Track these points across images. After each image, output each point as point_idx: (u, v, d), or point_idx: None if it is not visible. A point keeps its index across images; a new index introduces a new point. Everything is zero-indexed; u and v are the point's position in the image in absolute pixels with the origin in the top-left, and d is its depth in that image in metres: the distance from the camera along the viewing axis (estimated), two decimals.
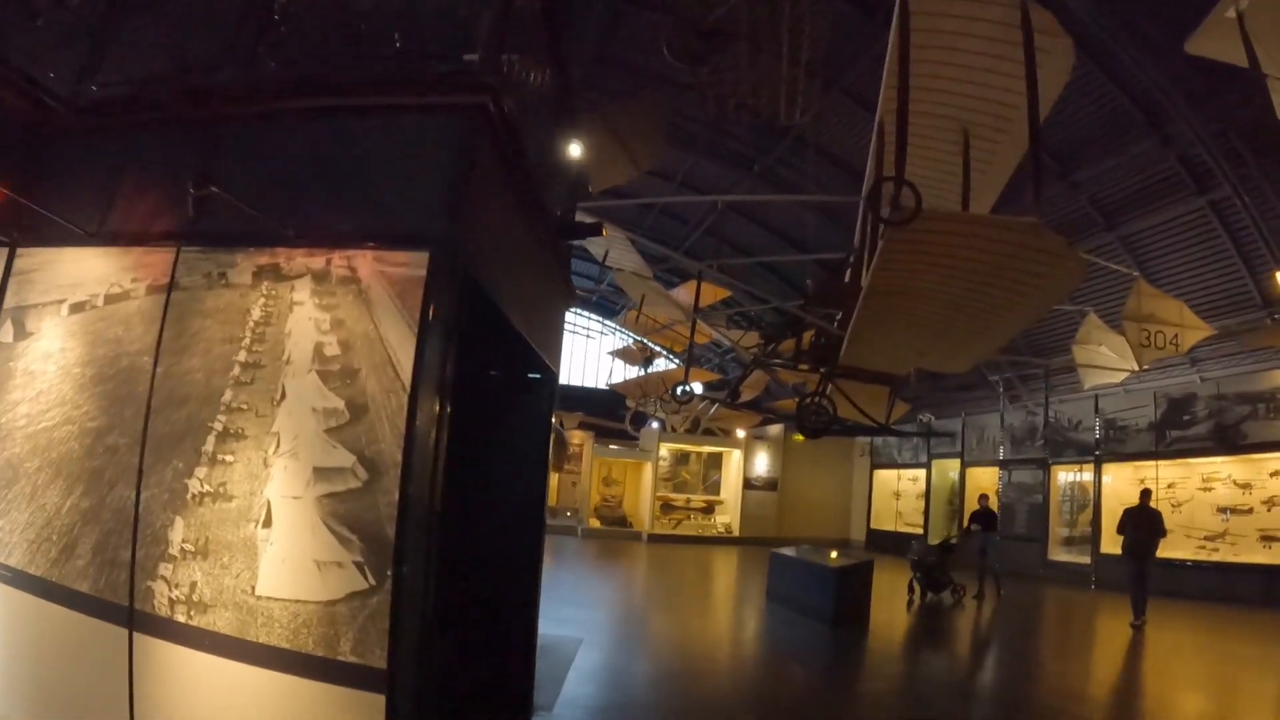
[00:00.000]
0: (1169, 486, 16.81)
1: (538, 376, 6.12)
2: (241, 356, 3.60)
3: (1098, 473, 18.20)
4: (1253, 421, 15.44)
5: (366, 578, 3.22)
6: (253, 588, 3.29)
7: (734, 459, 25.24)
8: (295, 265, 3.68)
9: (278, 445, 3.43)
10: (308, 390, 3.48)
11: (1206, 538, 15.91)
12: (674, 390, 13.63)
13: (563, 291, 6.58)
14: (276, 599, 3.27)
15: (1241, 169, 13.91)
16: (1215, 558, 15.59)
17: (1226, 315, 15.84)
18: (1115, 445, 18.10)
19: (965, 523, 14.63)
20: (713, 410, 26.22)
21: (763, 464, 25.04)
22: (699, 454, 26.27)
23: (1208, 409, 16.38)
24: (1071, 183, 16.41)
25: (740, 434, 25.82)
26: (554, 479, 26.40)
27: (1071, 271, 6.31)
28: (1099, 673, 9.24)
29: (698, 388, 30.46)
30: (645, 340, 23.50)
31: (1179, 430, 16.87)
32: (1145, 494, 13.08)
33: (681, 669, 7.65)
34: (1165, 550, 15.13)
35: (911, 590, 13.39)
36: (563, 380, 34.30)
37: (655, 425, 24.86)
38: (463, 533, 5.14)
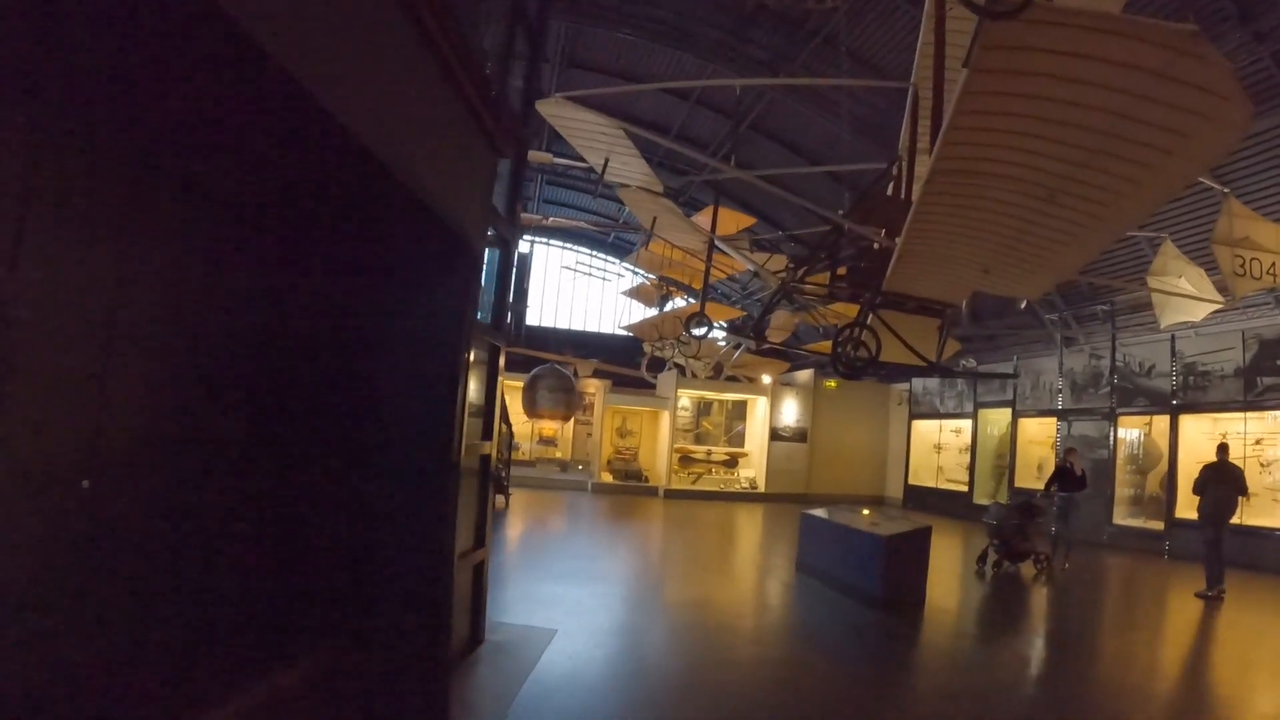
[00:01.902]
0: (1256, 443, 14.80)
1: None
2: None
3: (1174, 425, 16.16)
4: None
5: None
6: None
7: (759, 407, 23.41)
8: None
9: None
10: None
11: None
12: (688, 326, 11.82)
13: (489, 136, 4.71)
14: None
15: None
16: None
17: None
18: (1194, 394, 16.03)
19: (1046, 483, 12.73)
20: (737, 354, 24.44)
21: (791, 413, 23.18)
22: (721, 402, 24.48)
23: None
24: None
25: (766, 380, 23.96)
26: (567, 429, 24.89)
27: (1231, 122, 4.42)
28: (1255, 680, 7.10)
29: (718, 334, 28.67)
30: (658, 277, 21.69)
31: (1272, 378, 14.77)
32: (1223, 449, 11.45)
33: (680, 678, 5.79)
34: (1248, 516, 13.33)
35: (983, 560, 11.65)
36: (577, 325, 32.99)
37: (673, 371, 23.06)
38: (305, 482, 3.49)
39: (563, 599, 7.82)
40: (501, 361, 5.63)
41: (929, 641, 7.54)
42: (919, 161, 11.12)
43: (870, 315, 10.88)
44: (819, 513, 9.94)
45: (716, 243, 11.79)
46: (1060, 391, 19.23)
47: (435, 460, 4.22)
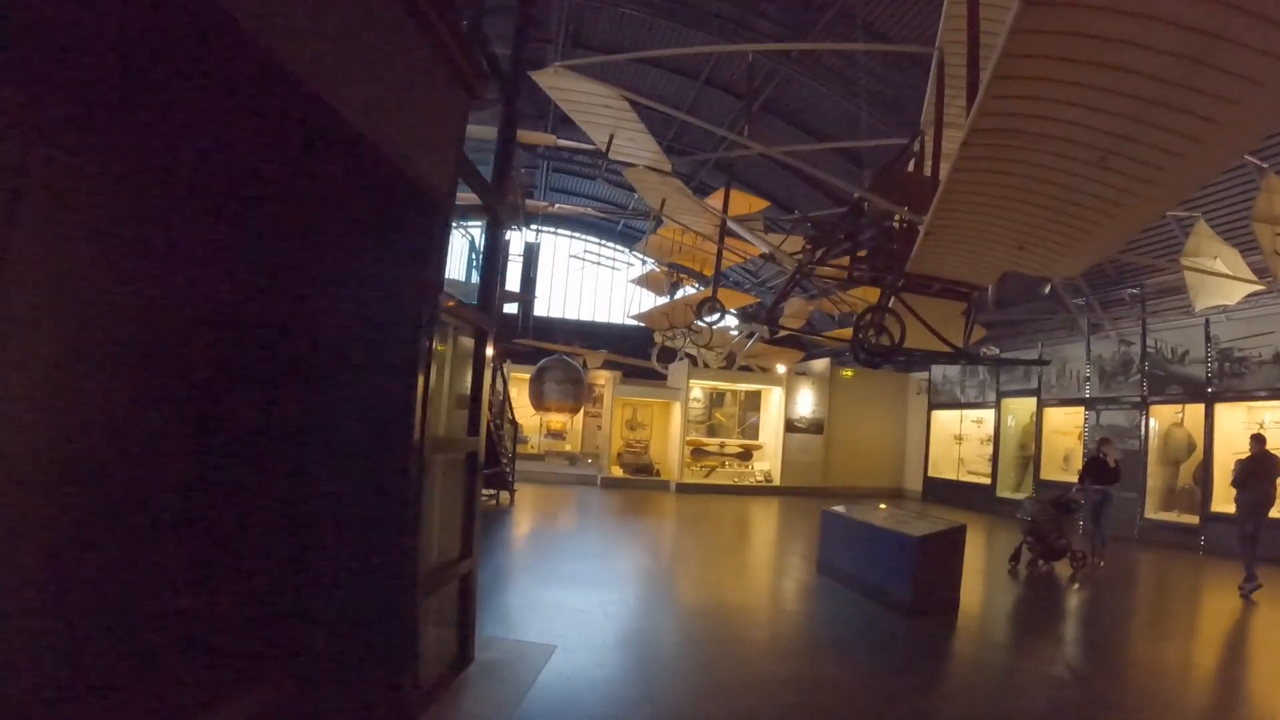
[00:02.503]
0: None
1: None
2: None
3: (1209, 414, 15.46)
4: None
5: None
6: None
7: (774, 398, 22.79)
8: None
9: None
10: None
11: None
12: (699, 312, 11.26)
13: (457, 72, 4.09)
14: None
15: None
16: None
17: None
18: (1232, 381, 15.32)
19: (1079, 475, 12.08)
20: (750, 343, 23.84)
21: (807, 403, 22.54)
22: (734, 393, 23.87)
23: None
24: None
25: (781, 370, 23.34)
26: (577, 422, 24.38)
27: None
28: None
29: (730, 321, 28.07)
30: (667, 264, 21.08)
31: None
32: (1258, 439, 10.84)
33: (691, 702, 5.11)
34: None
35: (1016, 559, 11.04)
36: (586, 316, 32.47)
37: (685, 361, 22.46)
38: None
39: (565, 607, 7.28)
40: (490, 350, 5.07)
41: (966, 654, 6.89)
42: (945, 135, 10.53)
43: (893, 298, 10.36)
44: (841, 510, 9.33)
45: (729, 223, 11.19)
46: (1088, 379, 18.53)
47: (392, 458, 3.65)
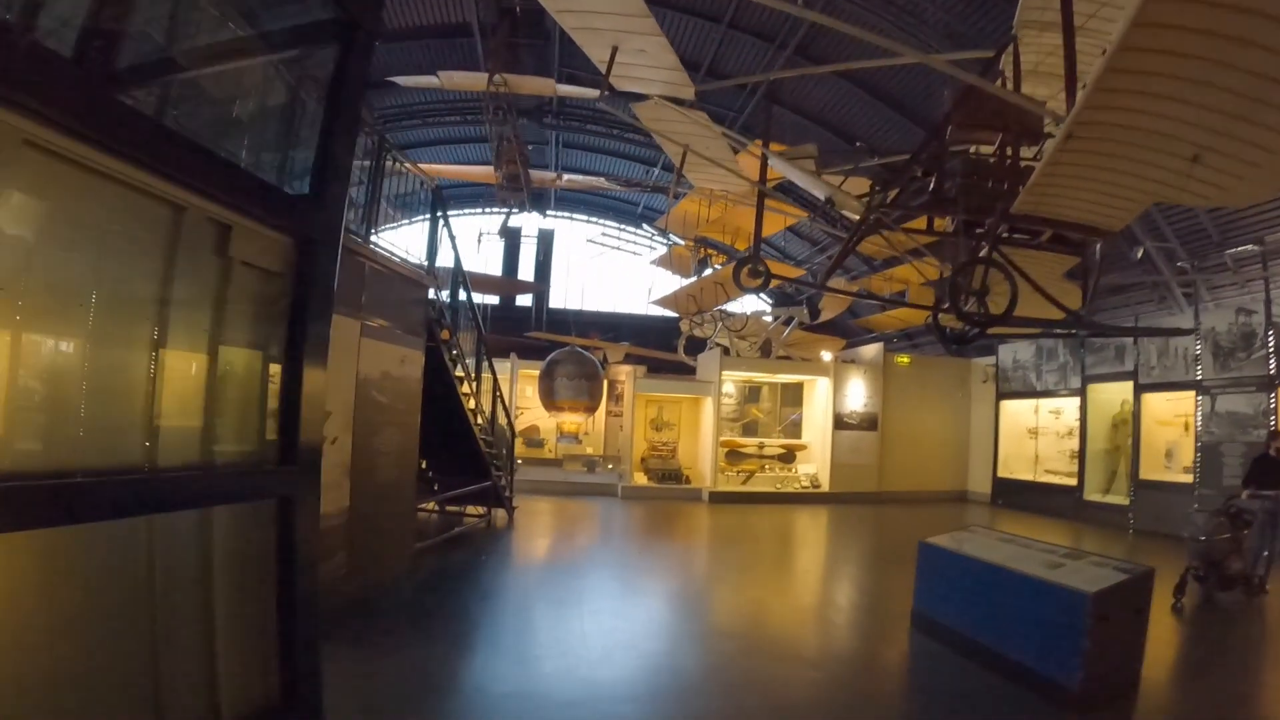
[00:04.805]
0: None
1: None
2: None
3: None
4: None
5: None
6: None
7: (820, 390, 20.11)
8: None
9: None
10: None
11: None
12: (738, 274, 8.82)
13: None
14: None
15: None
16: None
17: None
18: None
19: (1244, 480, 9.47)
20: (788, 330, 21.34)
21: (858, 396, 19.85)
22: (773, 386, 21.28)
23: None
24: None
25: (827, 357, 20.75)
26: (597, 422, 22.11)
27: None
28: None
29: (764, 304, 25.53)
30: (693, 239, 18.66)
31: None
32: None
33: None
34: None
35: (1181, 591, 8.47)
36: (605, 308, 30.23)
37: (716, 350, 19.93)
38: None
39: (530, 696, 4.89)
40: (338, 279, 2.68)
41: None
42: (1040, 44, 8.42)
43: (994, 248, 8.12)
44: (948, 543, 6.74)
45: (773, 159, 8.71)
46: (1197, 358, 15.75)
47: None
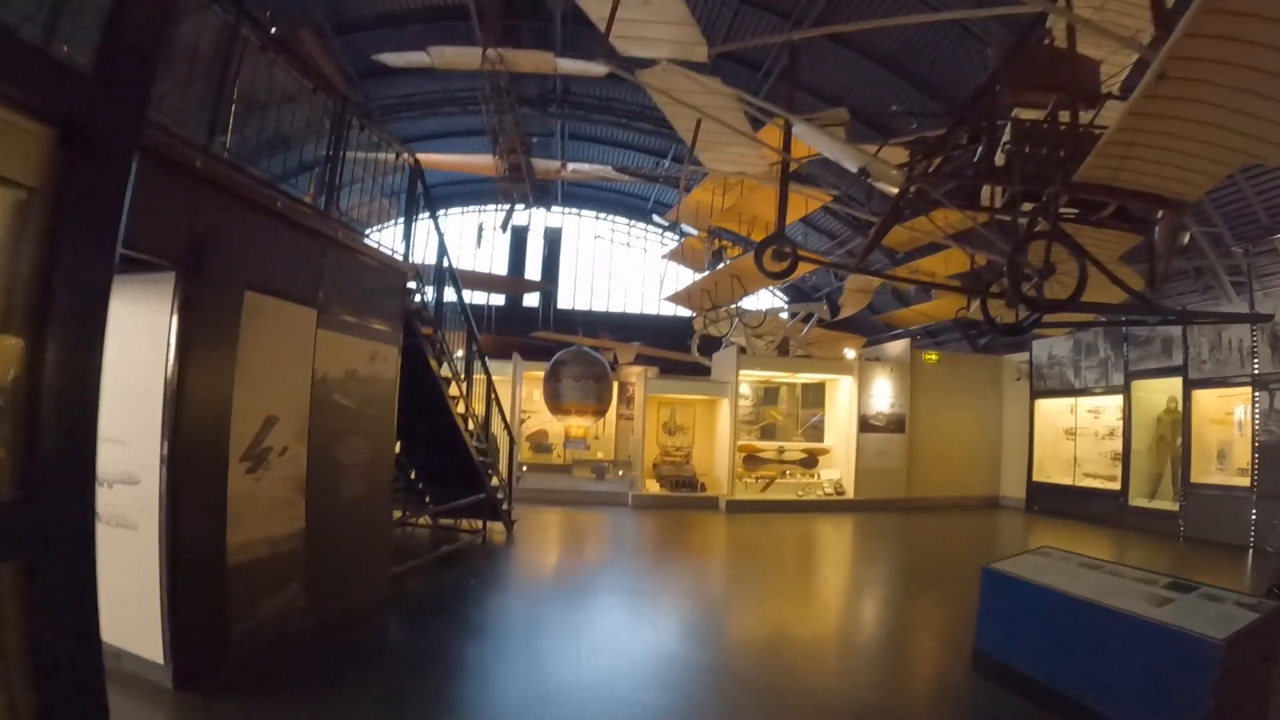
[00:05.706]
0: None
1: None
2: None
3: None
4: None
5: None
6: None
7: (843, 390, 19.03)
8: None
9: None
10: None
11: None
12: (760, 255, 7.84)
13: None
14: None
15: None
16: None
17: None
18: None
19: None
20: (808, 327, 20.35)
21: (884, 396, 18.77)
22: (792, 386, 20.23)
23: None
24: None
25: (850, 355, 19.69)
26: (608, 425, 21.18)
27: None
28: None
29: (780, 300, 24.54)
30: (707, 230, 17.66)
31: None
32: None
33: None
34: None
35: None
36: (616, 308, 29.23)
37: (732, 348, 18.91)
38: None
39: None
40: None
41: None
42: None
43: (1055, 221, 7.16)
44: (1023, 571, 5.68)
45: (798, 129, 7.72)
46: (1254, 351, 14.65)
47: None
